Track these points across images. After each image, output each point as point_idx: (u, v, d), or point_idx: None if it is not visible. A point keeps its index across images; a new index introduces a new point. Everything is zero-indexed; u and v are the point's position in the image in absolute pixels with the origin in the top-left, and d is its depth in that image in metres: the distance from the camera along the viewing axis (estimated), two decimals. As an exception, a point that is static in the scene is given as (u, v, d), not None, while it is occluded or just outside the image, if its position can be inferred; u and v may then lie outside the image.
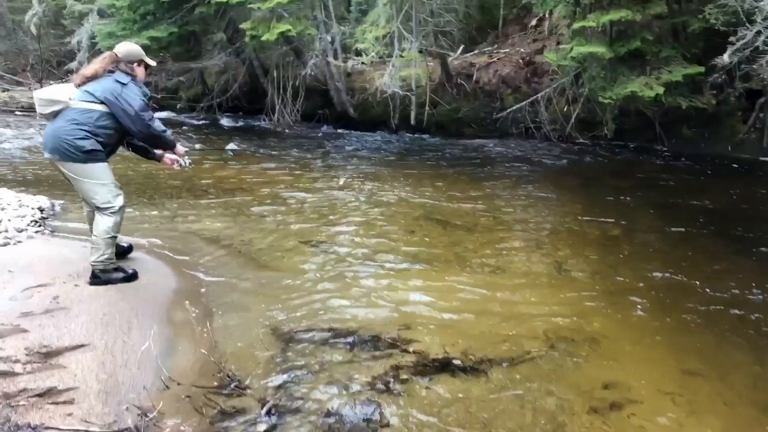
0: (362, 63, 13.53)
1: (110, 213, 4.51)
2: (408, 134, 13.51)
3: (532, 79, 13.47)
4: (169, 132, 4.54)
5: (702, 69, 9.37)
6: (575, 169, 10.35)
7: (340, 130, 14.38)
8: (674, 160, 10.59)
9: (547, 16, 15.00)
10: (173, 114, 16.17)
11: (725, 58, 8.19)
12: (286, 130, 14.29)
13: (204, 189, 7.95)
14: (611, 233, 6.51)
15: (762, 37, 7.95)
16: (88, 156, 4.37)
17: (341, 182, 8.57)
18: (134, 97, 4.36)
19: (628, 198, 8.06)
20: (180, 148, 4.79)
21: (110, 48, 4.82)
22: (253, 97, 15.82)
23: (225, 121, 14.84)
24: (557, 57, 10.13)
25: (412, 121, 13.24)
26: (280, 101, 14.54)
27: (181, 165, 4.92)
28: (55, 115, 4.43)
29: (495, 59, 14.18)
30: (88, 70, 4.49)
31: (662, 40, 9.94)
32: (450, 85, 13.67)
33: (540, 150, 11.60)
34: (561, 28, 14.36)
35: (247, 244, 5.70)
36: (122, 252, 4.96)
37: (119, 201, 4.55)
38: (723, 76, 10.02)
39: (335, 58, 13.86)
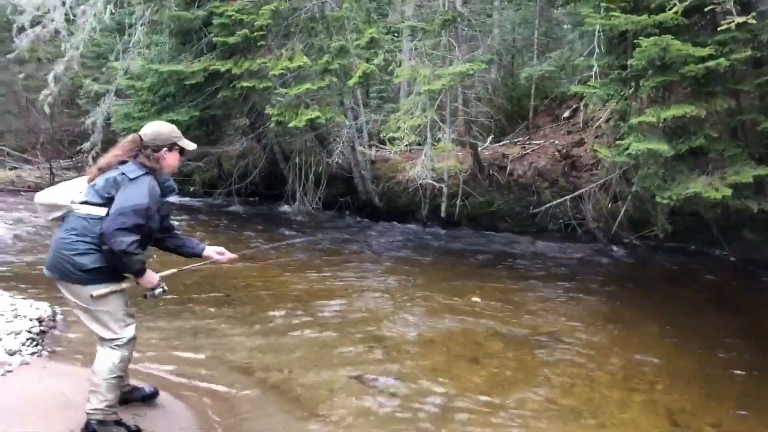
0: (394, 152, 12.81)
1: (116, 346, 3.55)
2: (438, 227, 12.63)
3: (570, 173, 12.74)
4: (138, 258, 3.47)
5: (772, 170, 8.56)
6: (620, 272, 9.45)
7: (365, 220, 13.54)
8: (739, 266, 9.68)
9: (582, 108, 14.47)
10: (187, 198, 15.42)
11: (811, 161, 7.39)
12: (308, 219, 13.47)
13: (226, 292, 6.99)
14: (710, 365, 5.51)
15: None
16: (90, 276, 3.46)
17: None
18: (133, 196, 3.42)
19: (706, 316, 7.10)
20: (149, 278, 3.61)
21: (128, 130, 3.91)
22: (272, 183, 15.13)
23: (240, 208, 14.01)
24: (611, 153, 9.35)
25: (443, 213, 12.42)
26: (301, 188, 13.79)
27: (146, 296, 3.75)
28: (60, 221, 3.56)
29: (529, 151, 13.51)
30: (102, 160, 3.62)
31: (726, 137, 9.18)
32: (482, 177, 12.93)
33: (586, 250, 10.68)
34: (597, 121, 13.79)
35: (286, 379, 4.68)
36: (145, 397, 3.94)
37: (129, 332, 3.61)
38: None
39: (361, 145, 13.19)
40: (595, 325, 6.50)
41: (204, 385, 4.52)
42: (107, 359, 3.53)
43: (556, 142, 13.73)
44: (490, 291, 7.74)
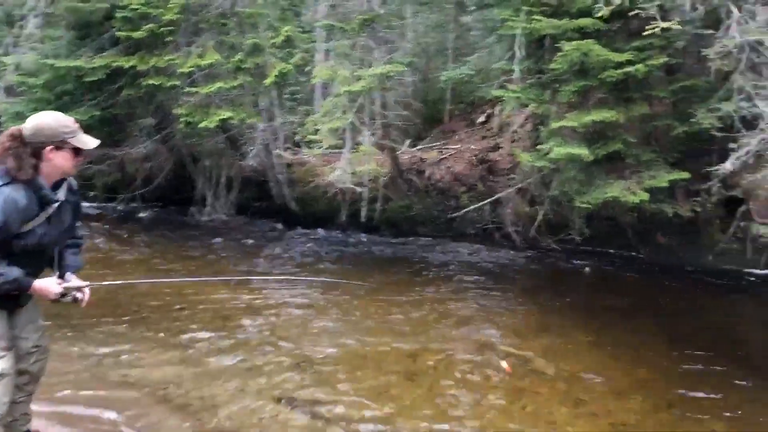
0: (313, 156, 12.38)
1: None
2: (357, 233, 12.29)
3: (488, 177, 12.72)
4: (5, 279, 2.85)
5: (688, 175, 8.80)
6: (541, 276, 9.53)
7: (280, 226, 13.01)
8: (651, 269, 9.90)
9: (496, 113, 14.57)
10: (86, 204, 14.33)
11: (728, 165, 7.59)
12: (219, 225, 12.79)
13: (134, 310, 6.36)
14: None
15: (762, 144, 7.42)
16: None
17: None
18: None
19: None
20: (40, 289, 2.99)
21: None
22: (180, 187, 14.26)
23: (145, 214, 13.16)
24: (531, 158, 9.35)
25: (363, 219, 12.10)
26: (212, 192, 13.11)
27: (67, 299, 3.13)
28: None
29: (446, 155, 13.43)
30: None
31: (642, 142, 9.37)
32: (401, 181, 12.72)
33: (506, 255, 10.66)
34: (512, 126, 13.90)
35: (208, 407, 4.21)
36: None
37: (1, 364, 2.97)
38: (700, 183, 9.54)
39: (277, 148, 12.68)
40: (528, 336, 6.36)
41: (111, 412, 3.99)
42: None
43: (472, 146, 13.73)
44: (417, 301, 7.48)
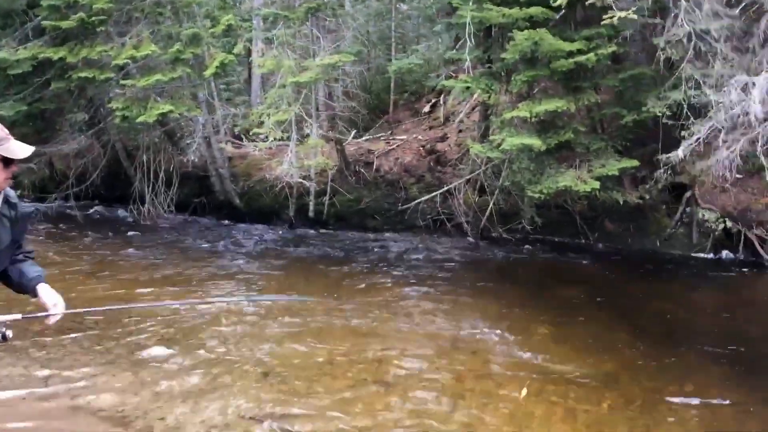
0: (258, 149, 11.98)
1: None
2: (305, 228, 11.99)
3: (436, 168, 12.60)
4: None
5: (637, 163, 8.90)
6: (494, 267, 9.49)
7: (224, 222, 12.57)
8: (599, 256, 10.01)
9: (441, 102, 14.48)
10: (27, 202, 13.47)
11: (679, 153, 7.66)
12: (159, 223, 12.26)
13: (78, 322, 5.90)
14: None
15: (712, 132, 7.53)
16: None
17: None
18: None
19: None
20: None
21: None
22: (115, 184, 13.59)
23: (78, 213, 12.46)
24: (483, 148, 9.26)
25: (311, 213, 11.81)
26: (150, 189, 12.51)
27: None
28: None
29: (394, 146, 13.23)
30: None
31: (590, 131, 9.42)
32: (348, 173, 12.45)
33: (459, 245, 10.60)
34: (458, 115, 13.84)
35: (171, 428, 3.90)
36: None
37: None
38: (646, 170, 9.69)
39: (218, 141, 12.20)
40: (491, 331, 6.23)
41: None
42: None
43: (419, 137, 13.59)
44: (374, 301, 7.28)
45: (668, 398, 4.74)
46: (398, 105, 15.60)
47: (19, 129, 11.76)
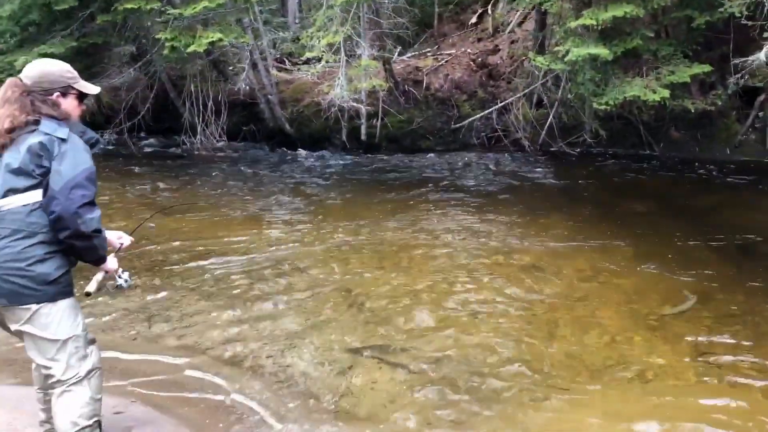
0: (308, 73, 11.76)
1: (73, 386, 2.66)
2: (358, 152, 11.87)
3: (488, 83, 12.27)
4: (104, 236, 2.73)
5: (709, 67, 8.48)
6: (558, 182, 9.28)
7: (276, 149, 12.51)
8: (666, 166, 9.74)
9: (488, 12, 13.90)
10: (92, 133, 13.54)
11: (762, 56, 7.24)
12: (212, 153, 12.26)
13: (169, 260, 5.98)
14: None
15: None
16: (57, 288, 2.59)
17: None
18: (79, 160, 2.57)
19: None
20: (111, 262, 2.85)
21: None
22: (163, 116, 13.58)
23: (134, 148, 12.52)
24: (547, 60, 8.90)
25: (363, 137, 11.67)
26: (200, 119, 12.45)
27: (121, 285, 2.99)
28: None
29: (442, 62, 12.84)
30: (0, 122, 2.59)
31: (657, 37, 8.95)
32: (398, 93, 12.18)
33: (518, 161, 10.42)
34: (507, 26, 13.31)
35: (284, 364, 3.97)
36: None
37: (90, 362, 2.73)
38: (714, 75, 9.26)
39: (265, 68, 11.98)
40: (571, 252, 6.15)
41: (184, 389, 3.75)
42: (73, 404, 2.65)
43: (468, 50, 13.15)
44: (441, 223, 7.22)
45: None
46: (443, 18, 15.06)
47: (72, 66, 11.73)
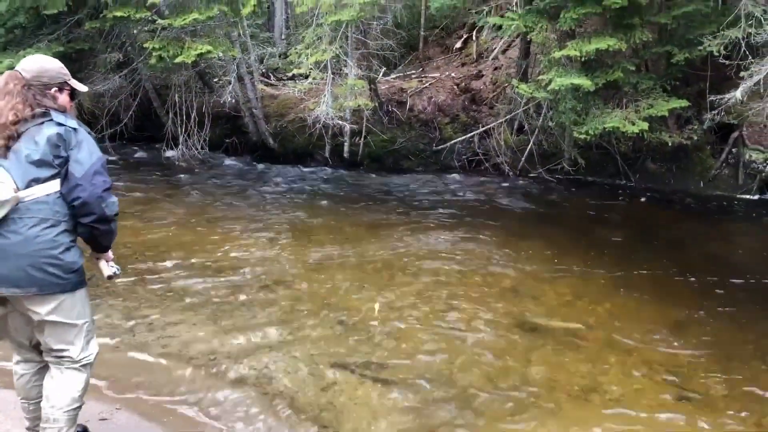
0: (295, 88, 11.85)
1: (83, 366, 2.82)
2: (340, 169, 11.91)
3: (471, 107, 12.45)
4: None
5: (687, 102, 8.74)
6: (535, 208, 9.40)
7: (258, 163, 12.51)
8: (641, 196, 9.95)
9: (473, 38, 14.15)
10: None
11: (737, 94, 7.50)
12: (192, 164, 12.21)
13: (151, 268, 5.98)
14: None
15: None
16: (80, 276, 2.75)
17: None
18: (93, 148, 2.73)
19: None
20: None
21: None
22: (146, 125, 13.53)
23: (115, 155, 12.42)
24: (531, 88, 9.09)
25: (346, 154, 11.75)
26: (183, 130, 12.43)
27: (112, 276, 3.03)
28: None
29: (426, 84, 13.03)
30: (3, 114, 2.66)
31: (637, 71, 9.21)
32: (382, 113, 12.31)
33: (498, 185, 10.56)
34: (492, 52, 13.55)
35: (268, 377, 3.99)
36: None
37: (96, 345, 2.90)
38: (690, 110, 9.54)
39: (251, 81, 12.03)
40: (547, 275, 6.27)
41: (161, 388, 3.75)
42: (73, 384, 2.79)
43: (452, 74, 13.36)
44: (417, 241, 7.31)
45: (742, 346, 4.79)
46: (428, 41, 15.27)
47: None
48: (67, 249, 2.67)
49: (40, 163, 2.62)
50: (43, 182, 2.63)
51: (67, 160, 2.65)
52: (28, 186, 2.60)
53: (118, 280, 5.42)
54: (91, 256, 2.93)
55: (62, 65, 2.92)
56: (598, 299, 5.70)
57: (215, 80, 13.21)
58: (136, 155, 12.94)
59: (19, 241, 2.56)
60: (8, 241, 2.56)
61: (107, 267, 2.96)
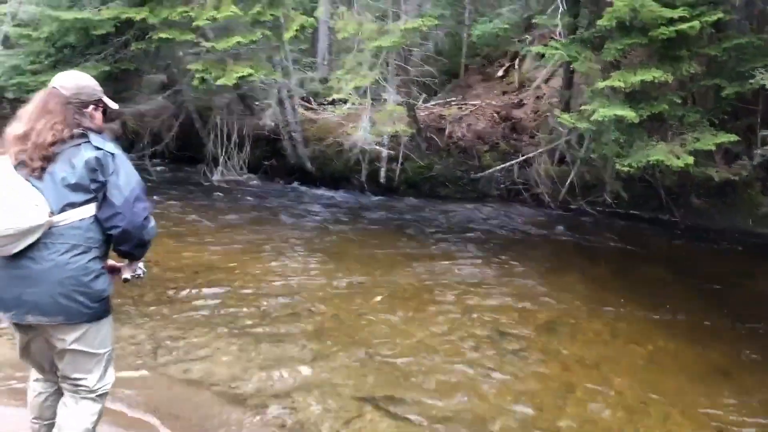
0: (333, 113, 11.89)
1: (98, 396, 2.73)
2: (376, 194, 11.84)
3: (511, 135, 12.30)
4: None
5: (735, 137, 8.43)
6: (575, 241, 9.16)
7: (296, 185, 12.54)
8: (685, 233, 9.63)
9: (515, 67, 14.05)
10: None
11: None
12: (231, 185, 12.30)
13: (180, 289, 5.94)
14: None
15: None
16: (106, 306, 2.67)
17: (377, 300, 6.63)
18: (130, 172, 2.64)
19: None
20: None
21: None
22: (187, 145, 13.71)
23: (155, 175, 12.59)
24: (573, 119, 8.90)
25: (382, 179, 11.68)
26: (223, 151, 12.55)
27: (137, 275, 2.93)
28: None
29: (466, 112, 12.93)
30: (39, 131, 2.57)
31: (684, 103, 8.96)
32: (420, 139, 12.23)
33: (537, 216, 10.35)
34: (534, 81, 13.41)
35: (289, 407, 3.87)
36: None
37: (112, 376, 2.80)
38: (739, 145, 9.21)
39: (292, 105, 12.10)
40: (586, 313, 6.04)
41: (182, 420, 3.65)
42: (88, 413, 2.69)
43: (493, 102, 13.25)
44: (454, 272, 7.14)
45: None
46: (469, 69, 15.22)
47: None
48: (97, 277, 2.58)
49: (76, 187, 2.54)
50: (77, 206, 2.55)
51: (104, 184, 2.56)
52: (62, 210, 2.52)
53: (148, 299, 5.48)
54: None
55: (96, 82, 2.83)
56: (637, 340, 5.46)
57: (256, 103, 13.36)
58: (175, 174, 13.08)
59: (49, 267, 2.49)
60: (39, 267, 2.49)
61: (128, 269, 2.84)
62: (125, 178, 2.58)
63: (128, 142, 13.36)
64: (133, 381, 4.02)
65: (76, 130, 2.60)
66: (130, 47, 10.76)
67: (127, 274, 2.84)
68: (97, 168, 2.55)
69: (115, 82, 11.69)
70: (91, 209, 2.56)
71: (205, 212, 9.80)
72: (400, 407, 4.00)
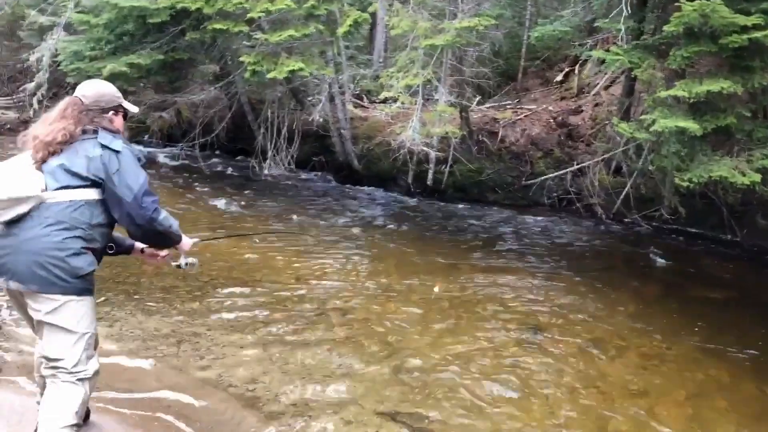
0: (383, 112, 11.71)
1: (79, 381, 2.70)
2: (422, 196, 11.63)
3: (566, 142, 11.87)
4: (176, 224, 2.98)
5: (808, 156, 7.85)
6: (629, 256, 8.74)
7: (342, 183, 12.43)
8: (748, 255, 9.06)
9: (575, 72, 13.59)
10: (140, 147, 13.90)
11: None
12: (282, 181, 12.27)
13: (214, 284, 5.84)
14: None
15: None
16: (85, 284, 2.72)
17: (436, 289, 6.46)
18: (134, 173, 2.80)
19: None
20: (186, 241, 3.16)
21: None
22: (237, 137, 13.78)
23: (203, 164, 12.64)
24: (631, 128, 8.46)
25: (429, 181, 11.41)
26: (272, 145, 12.50)
27: (180, 266, 3.26)
28: (15, 219, 2.64)
29: (521, 116, 12.55)
30: (51, 132, 2.76)
31: (756, 117, 8.41)
32: (471, 142, 11.92)
33: (590, 228, 9.93)
34: (593, 87, 12.94)
35: (306, 415, 3.68)
36: None
37: (96, 364, 2.79)
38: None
39: (342, 102, 11.96)
40: (634, 334, 5.67)
41: (198, 419, 3.50)
42: (69, 397, 2.67)
43: (549, 108, 12.82)
44: (498, 282, 6.84)
45: None
46: (527, 72, 14.81)
47: (153, 77, 12.05)
48: (76, 254, 2.67)
49: (74, 174, 2.72)
50: (71, 189, 2.70)
51: (103, 180, 2.72)
52: (59, 189, 2.69)
53: (179, 292, 5.38)
54: None
55: (116, 89, 3.07)
56: (688, 367, 5.08)
57: (308, 98, 13.28)
58: (224, 166, 13.14)
59: (30, 237, 2.62)
60: (22, 236, 2.62)
61: (180, 258, 3.23)
62: (132, 176, 2.75)
63: (181, 131, 13.51)
64: (148, 373, 3.90)
65: (88, 126, 2.81)
66: (185, 37, 10.78)
67: (179, 262, 3.24)
68: (99, 164, 2.73)
69: (170, 71, 11.81)
70: (84, 194, 2.71)
71: (248, 204, 9.76)
72: (424, 425, 3.76)
